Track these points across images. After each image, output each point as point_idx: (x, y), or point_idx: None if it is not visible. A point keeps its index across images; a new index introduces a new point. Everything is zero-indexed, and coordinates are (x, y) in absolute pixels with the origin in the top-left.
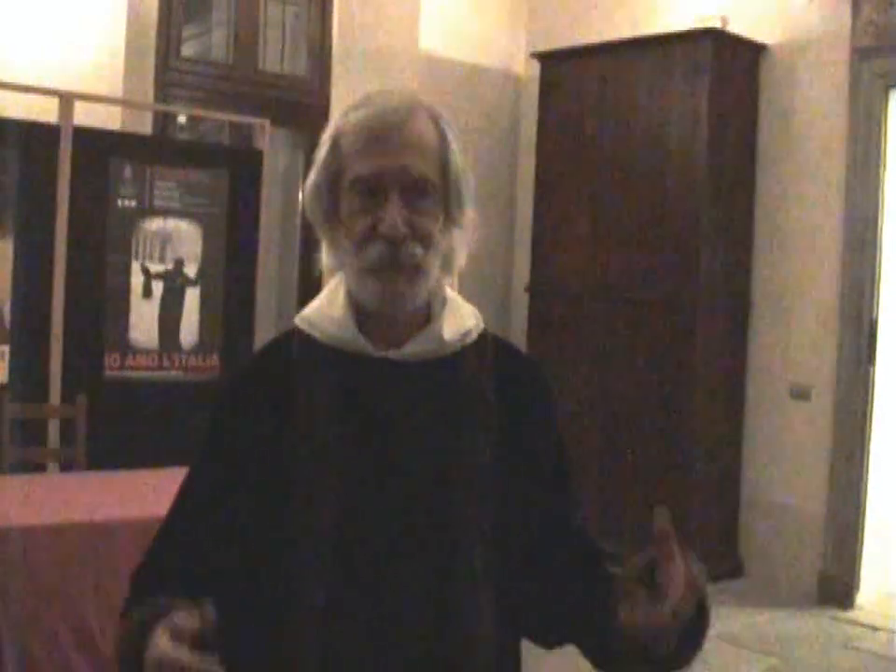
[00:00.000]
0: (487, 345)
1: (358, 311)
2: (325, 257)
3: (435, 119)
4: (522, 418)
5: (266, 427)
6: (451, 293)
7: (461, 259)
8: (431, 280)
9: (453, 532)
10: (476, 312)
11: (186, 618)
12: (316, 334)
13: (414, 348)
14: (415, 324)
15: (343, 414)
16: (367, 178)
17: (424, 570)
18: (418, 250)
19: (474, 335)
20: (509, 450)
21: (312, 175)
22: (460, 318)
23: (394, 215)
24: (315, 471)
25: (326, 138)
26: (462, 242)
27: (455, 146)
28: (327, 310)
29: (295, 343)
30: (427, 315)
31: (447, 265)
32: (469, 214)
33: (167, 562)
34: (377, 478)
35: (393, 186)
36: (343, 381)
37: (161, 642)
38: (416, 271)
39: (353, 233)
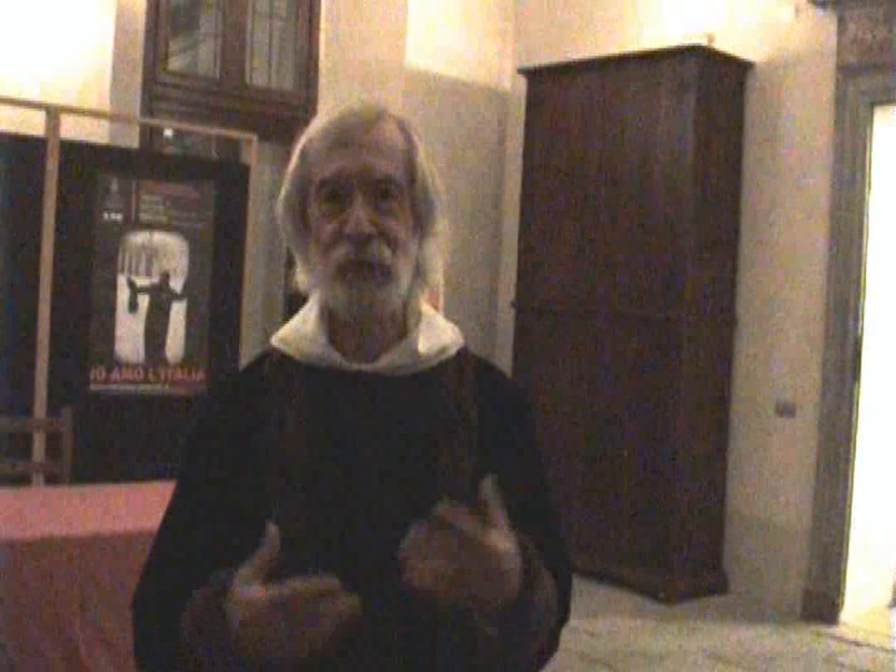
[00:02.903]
0: (467, 363)
1: (332, 325)
2: (299, 275)
3: (402, 126)
4: (501, 441)
5: (241, 448)
6: (427, 308)
7: (436, 272)
8: (402, 286)
9: None
10: (455, 328)
11: (258, 559)
12: (291, 351)
13: (389, 362)
14: (390, 338)
15: (317, 431)
16: (331, 180)
17: (403, 591)
18: (386, 251)
19: (452, 351)
20: (487, 469)
21: (283, 189)
22: (437, 333)
23: (358, 214)
24: (289, 489)
25: (296, 150)
26: (436, 252)
27: (422, 152)
28: (300, 327)
29: (268, 361)
30: (403, 329)
31: (421, 276)
32: (442, 223)
33: (165, 587)
34: (353, 494)
35: (357, 187)
36: (318, 397)
37: (257, 590)
38: (386, 274)
39: (320, 239)
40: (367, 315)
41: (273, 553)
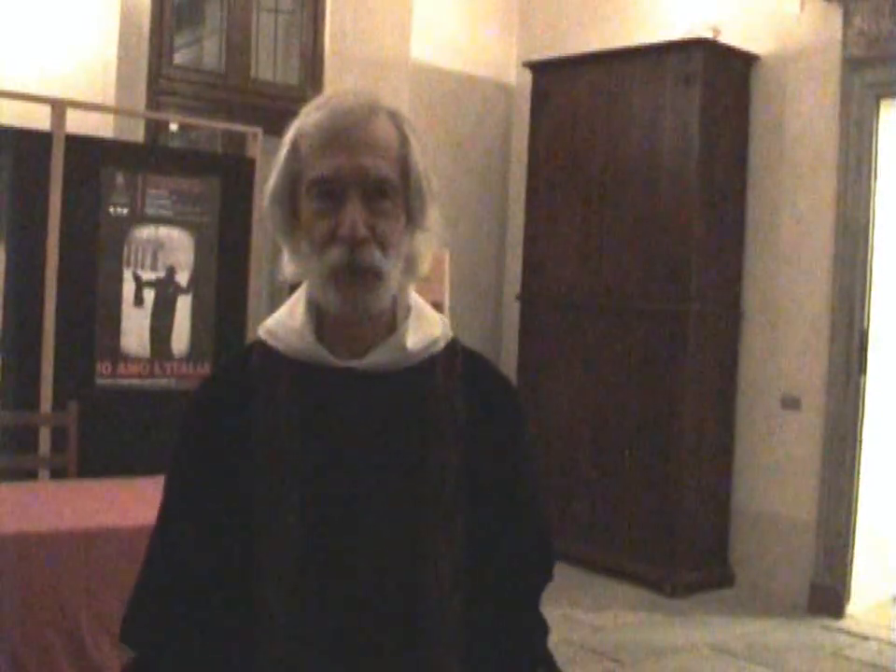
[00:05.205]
0: (456, 355)
1: (319, 320)
2: (286, 265)
3: (395, 120)
4: (489, 433)
5: (228, 442)
6: (417, 300)
7: (426, 263)
8: (392, 286)
9: (420, 545)
10: (444, 320)
11: None
12: (277, 346)
13: (377, 358)
14: (378, 333)
15: (304, 427)
16: (325, 180)
17: (391, 584)
18: (377, 254)
19: (441, 344)
20: (475, 463)
21: (271, 179)
22: (426, 326)
23: (353, 216)
24: (277, 484)
25: (285, 141)
26: (426, 245)
27: (416, 146)
28: (287, 321)
29: (255, 355)
30: (392, 323)
31: (410, 269)
32: (433, 216)
33: (158, 595)
34: (341, 490)
35: (352, 187)
36: (304, 392)
37: None
38: (376, 276)
39: (313, 238)
40: (357, 315)
41: None
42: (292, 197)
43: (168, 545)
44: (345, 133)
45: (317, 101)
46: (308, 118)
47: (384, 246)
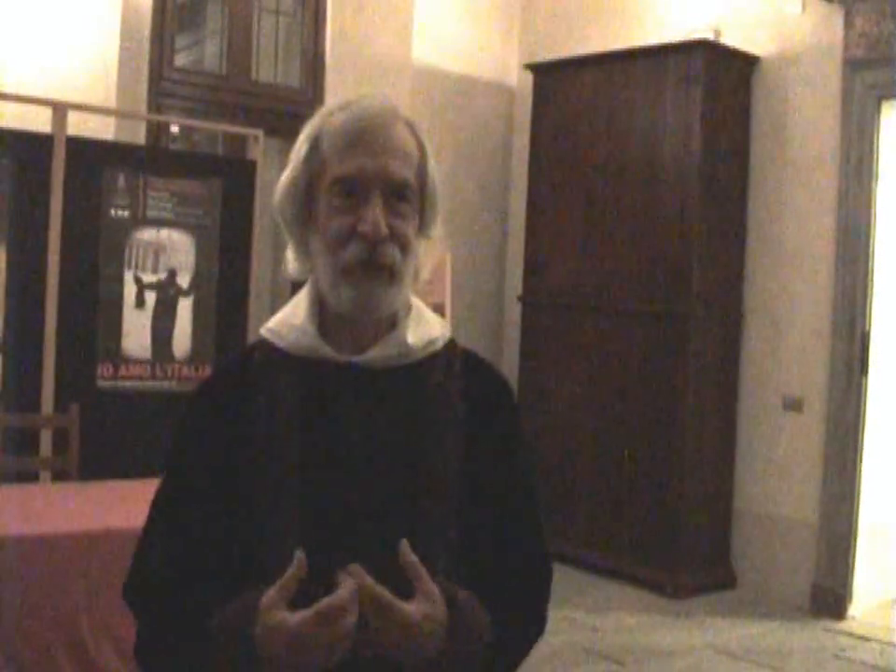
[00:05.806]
0: (455, 355)
1: (323, 316)
2: (291, 261)
3: (413, 129)
4: (487, 432)
5: (229, 437)
6: (416, 301)
7: (426, 270)
8: (404, 287)
9: (418, 540)
10: (443, 321)
11: (283, 583)
12: (280, 343)
13: (378, 353)
14: (380, 330)
15: (305, 421)
16: (349, 178)
17: (390, 581)
18: (397, 253)
19: (440, 343)
20: (474, 462)
21: (287, 173)
22: (426, 326)
23: (376, 215)
24: (277, 480)
25: (305, 137)
26: (429, 253)
27: (432, 157)
28: (290, 319)
29: (258, 353)
30: (392, 321)
31: (415, 274)
32: (437, 226)
33: (158, 574)
34: (341, 485)
35: (375, 187)
36: (306, 388)
37: (286, 615)
38: (392, 275)
39: (329, 233)
40: (370, 313)
41: (298, 576)
42: (309, 193)
43: (163, 541)
44: (371, 134)
45: (338, 103)
46: (332, 117)
47: (402, 247)
